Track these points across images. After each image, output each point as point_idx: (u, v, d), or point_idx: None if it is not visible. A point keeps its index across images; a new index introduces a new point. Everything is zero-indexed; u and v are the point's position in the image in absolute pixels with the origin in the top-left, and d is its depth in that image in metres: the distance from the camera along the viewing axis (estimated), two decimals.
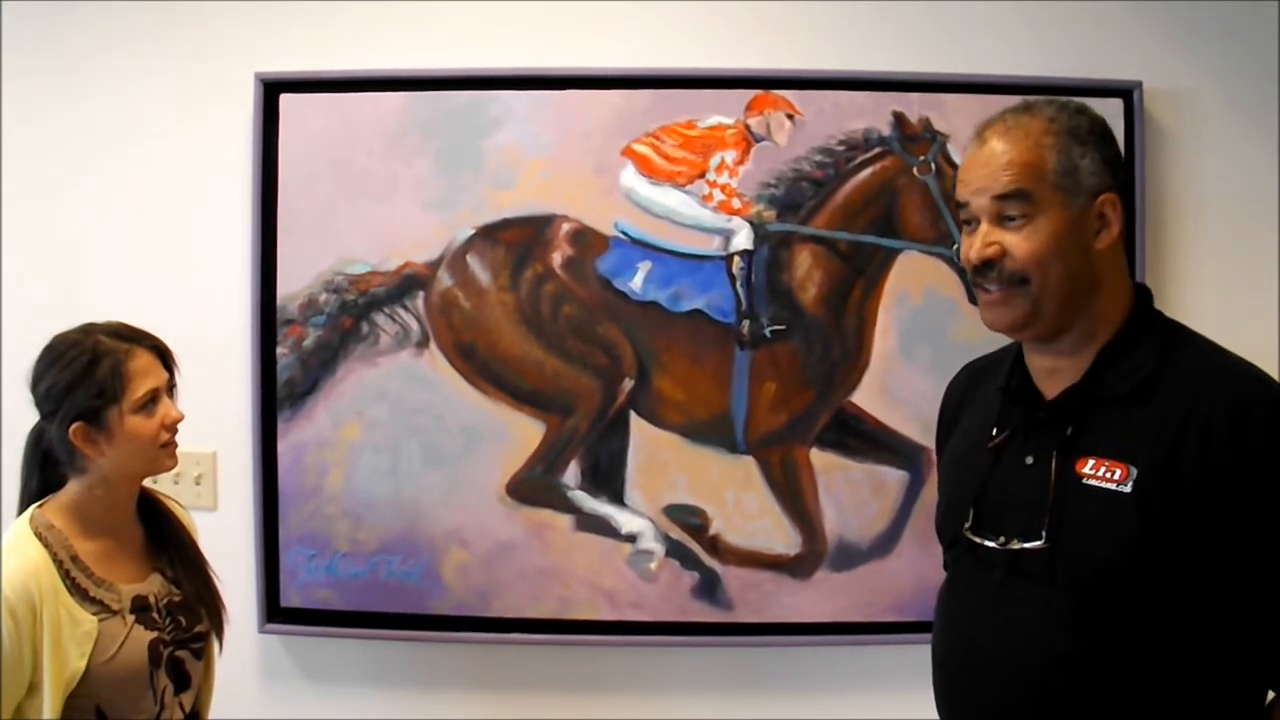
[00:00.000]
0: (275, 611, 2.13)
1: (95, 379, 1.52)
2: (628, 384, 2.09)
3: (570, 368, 2.09)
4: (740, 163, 2.08)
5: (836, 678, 2.15)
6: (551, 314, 2.09)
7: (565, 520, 2.10)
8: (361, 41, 2.13)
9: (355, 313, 2.10)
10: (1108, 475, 1.26)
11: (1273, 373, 1.30)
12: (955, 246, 2.05)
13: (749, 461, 2.09)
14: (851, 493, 2.09)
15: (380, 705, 2.17)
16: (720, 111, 2.08)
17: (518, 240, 2.09)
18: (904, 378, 2.09)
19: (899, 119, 2.08)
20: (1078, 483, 1.28)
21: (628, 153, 2.08)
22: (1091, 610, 1.25)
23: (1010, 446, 1.36)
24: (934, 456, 2.02)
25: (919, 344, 2.09)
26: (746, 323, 2.08)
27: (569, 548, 2.10)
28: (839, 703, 2.14)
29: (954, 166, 2.05)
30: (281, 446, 2.11)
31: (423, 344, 2.10)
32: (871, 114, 2.08)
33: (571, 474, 2.10)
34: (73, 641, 1.49)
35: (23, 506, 1.60)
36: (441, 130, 2.09)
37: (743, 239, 2.08)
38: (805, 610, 2.09)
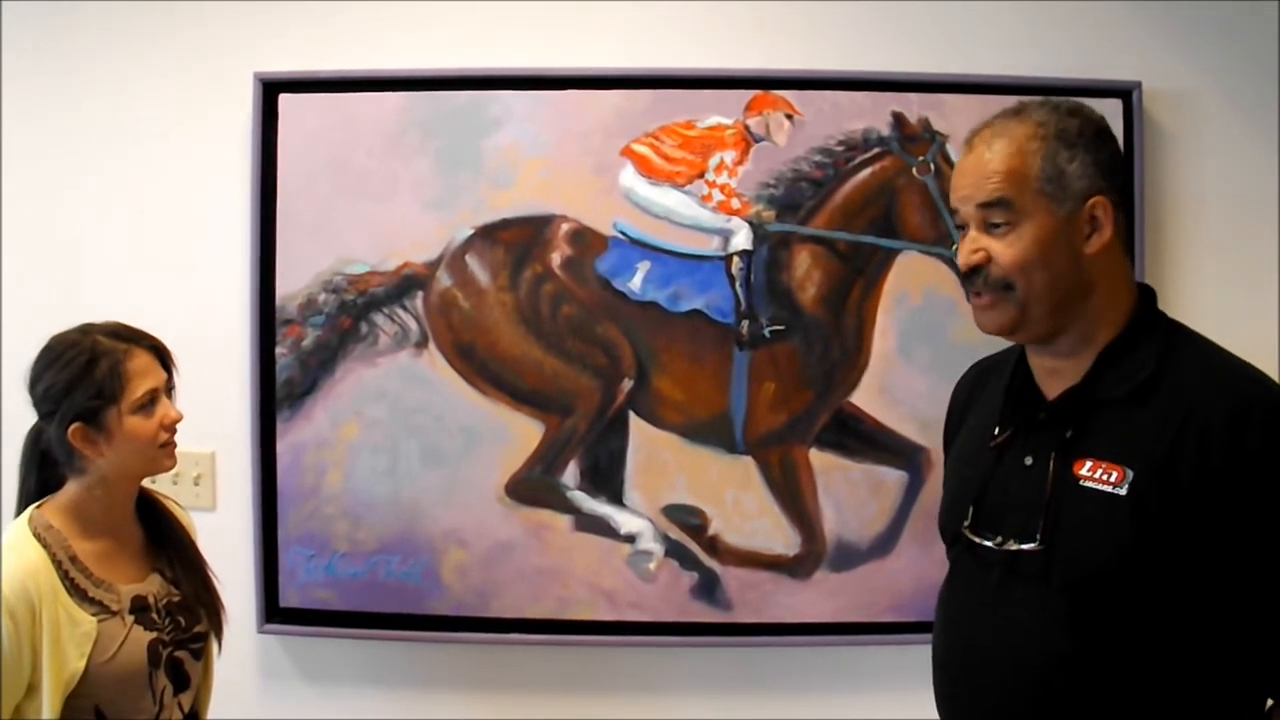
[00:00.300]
0: (274, 612, 2.13)
1: (94, 379, 1.52)
2: (627, 384, 2.09)
3: (569, 368, 2.09)
4: (739, 163, 2.08)
5: (835, 678, 2.15)
6: (551, 314, 2.09)
7: (564, 520, 2.10)
8: (360, 41, 2.13)
9: (354, 313, 2.10)
10: (1104, 478, 1.26)
11: (1273, 374, 1.30)
12: (954, 247, 2.05)
13: (748, 462, 2.09)
14: (850, 493, 2.09)
15: (379, 705, 2.17)
16: (719, 112, 2.08)
17: (517, 240, 2.09)
18: (903, 378, 2.08)
19: (898, 119, 2.08)
20: (1075, 484, 1.28)
21: (627, 153, 2.08)
22: (1087, 612, 1.25)
23: (1011, 446, 1.37)
24: (933, 457, 2.05)
25: (918, 344, 2.08)
26: (746, 323, 2.08)
27: (568, 548, 2.10)
28: (838, 703, 2.14)
29: (953, 167, 2.04)
30: (280, 446, 2.11)
31: (422, 344, 2.10)
32: (871, 114, 2.08)
33: (571, 474, 2.10)
34: (72, 642, 1.48)
35: (21, 507, 1.60)
36: (441, 130, 2.09)
37: (742, 239, 2.08)
38: (804, 610, 2.09)
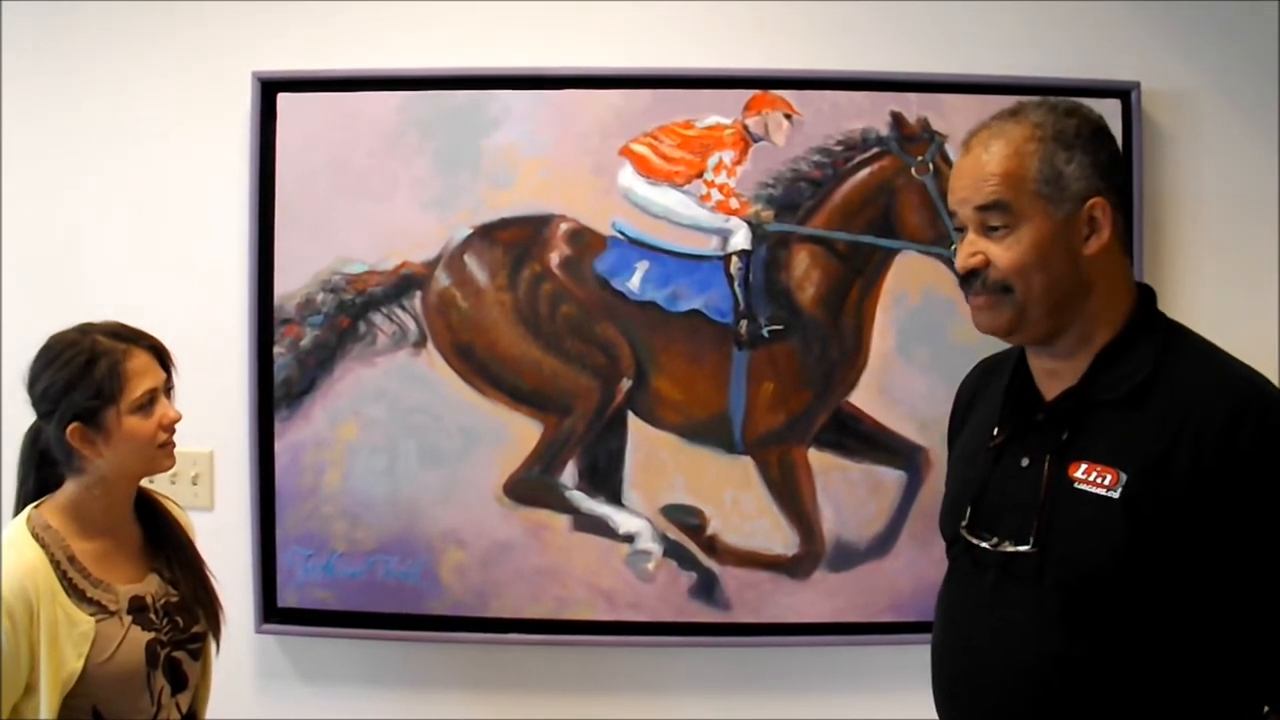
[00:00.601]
0: (272, 612, 2.13)
1: (92, 379, 1.52)
2: (625, 384, 2.09)
3: (568, 367, 2.09)
4: (738, 162, 2.08)
5: (834, 678, 2.15)
6: (549, 314, 2.09)
7: (563, 520, 2.10)
8: (359, 41, 2.13)
9: (353, 312, 2.10)
10: (1098, 480, 1.26)
11: (1272, 375, 1.30)
12: (953, 247, 2.04)
13: (747, 461, 2.09)
14: (849, 493, 2.09)
15: (377, 706, 2.17)
16: (718, 111, 2.08)
17: (515, 240, 2.09)
18: (902, 378, 2.08)
19: (897, 119, 2.08)
20: (1069, 487, 1.28)
21: (626, 152, 2.08)
22: (1081, 614, 1.25)
23: (1009, 447, 1.37)
24: (932, 457, 2.06)
25: (917, 344, 2.08)
26: (744, 323, 2.08)
27: (567, 548, 2.10)
28: (837, 703, 2.14)
29: (952, 167, 2.04)
30: (279, 446, 2.11)
31: (420, 344, 2.10)
32: (870, 114, 2.08)
33: (569, 474, 2.09)
34: (70, 642, 1.48)
35: (20, 507, 1.60)
36: (439, 130, 2.09)
37: (741, 239, 2.08)
38: (803, 610, 2.09)
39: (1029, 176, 1.27)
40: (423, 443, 2.10)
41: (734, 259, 2.08)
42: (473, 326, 2.09)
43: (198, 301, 2.14)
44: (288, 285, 2.10)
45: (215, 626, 1.68)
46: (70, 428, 1.51)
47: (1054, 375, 1.35)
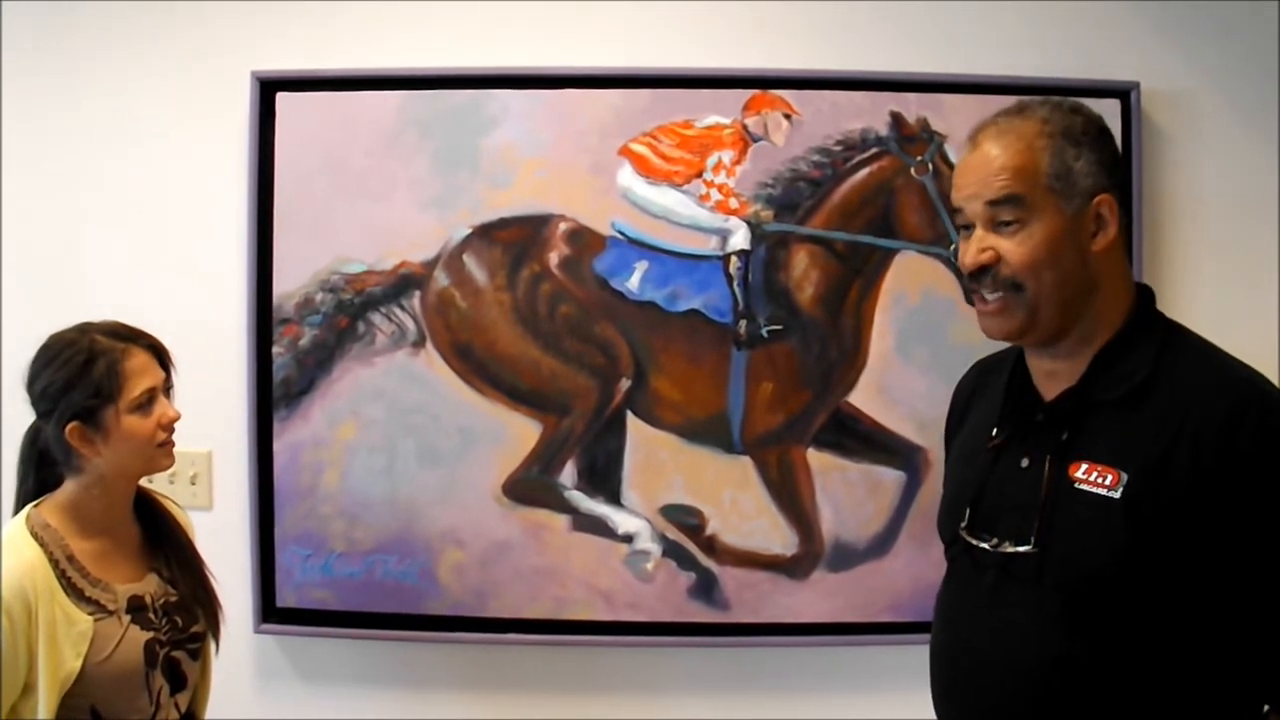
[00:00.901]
0: (270, 611, 2.13)
1: (91, 378, 1.52)
2: (624, 384, 2.09)
3: (567, 367, 2.09)
4: (737, 162, 2.08)
5: (833, 678, 2.15)
6: (548, 313, 2.09)
7: (561, 520, 2.10)
8: (358, 41, 2.13)
9: (351, 312, 2.10)
10: (1099, 480, 1.25)
11: (1272, 376, 1.30)
12: (952, 247, 2.05)
13: (746, 462, 2.09)
14: (848, 493, 2.09)
15: (375, 705, 2.17)
16: (717, 111, 2.08)
17: (514, 240, 2.09)
18: (901, 378, 2.08)
19: (896, 119, 2.08)
20: (1070, 487, 1.27)
21: (625, 152, 2.08)
22: (1081, 614, 1.25)
23: (1009, 448, 1.36)
24: (931, 457, 2.05)
25: (916, 344, 2.08)
26: (743, 323, 2.08)
27: (565, 548, 2.10)
28: (835, 703, 2.14)
29: (951, 167, 2.05)
30: (277, 446, 2.11)
31: (419, 343, 2.10)
32: (869, 114, 2.08)
33: (568, 474, 2.09)
34: (68, 641, 1.48)
35: (19, 506, 1.60)
36: (438, 129, 2.09)
37: (740, 239, 2.08)
38: (802, 610, 2.09)
39: (1041, 171, 1.27)
40: (421, 442, 2.09)
41: (733, 259, 2.08)
42: (471, 326, 2.09)
43: (196, 301, 2.14)
44: (286, 285, 2.10)
45: (214, 626, 1.68)
46: (69, 427, 1.51)
47: (1053, 376, 1.34)
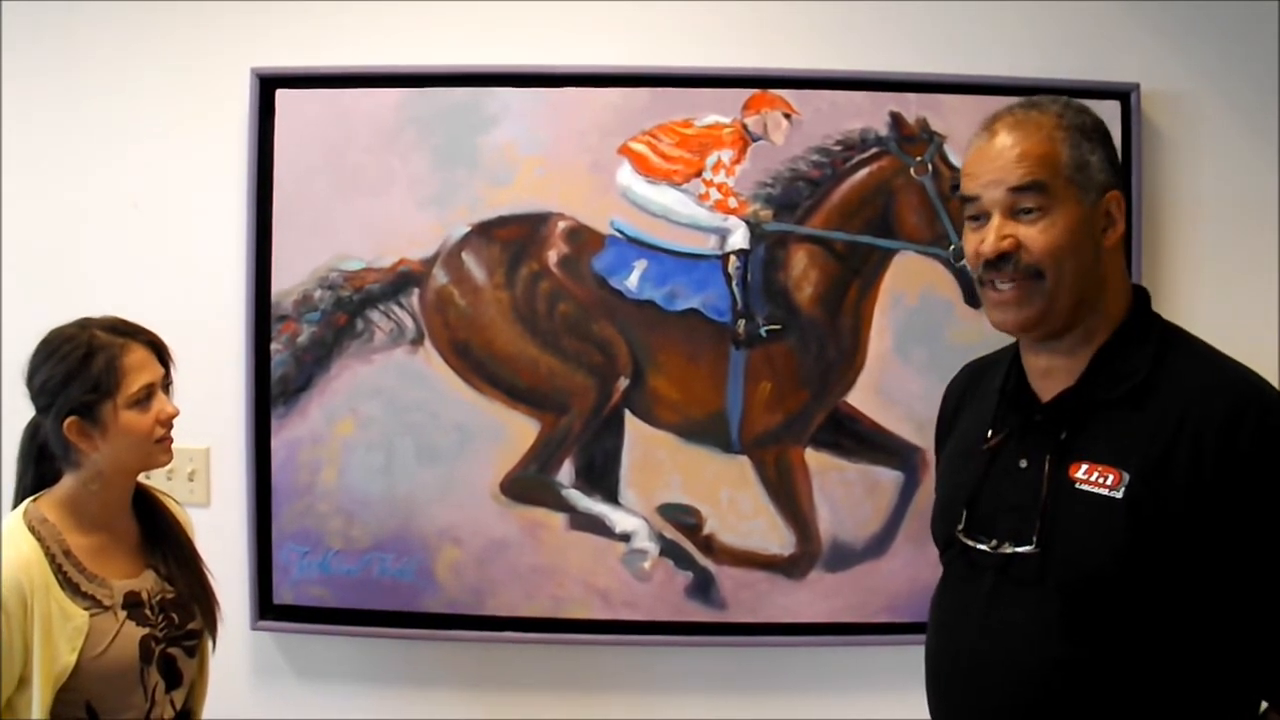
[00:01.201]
0: (267, 609, 2.12)
1: (90, 373, 1.52)
2: (623, 383, 2.09)
3: (565, 366, 2.09)
4: (737, 162, 2.08)
5: (830, 678, 2.15)
6: (547, 312, 2.09)
7: (559, 519, 2.09)
8: (358, 37, 2.12)
9: (350, 309, 2.10)
10: (1100, 480, 1.25)
11: (1271, 377, 1.29)
12: (952, 247, 2.05)
13: (744, 461, 2.09)
14: (846, 493, 2.09)
15: (373, 704, 2.17)
16: (717, 110, 2.08)
17: (513, 238, 2.09)
18: (899, 378, 2.08)
19: (896, 119, 2.08)
20: (1070, 487, 1.27)
21: (624, 151, 2.08)
22: (1082, 615, 1.24)
23: (1005, 449, 1.36)
24: (929, 457, 2.04)
25: (915, 344, 2.08)
26: (742, 322, 2.08)
27: (563, 546, 2.09)
28: (833, 703, 2.14)
29: (951, 167, 2.05)
30: (275, 443, 2.10)
31: (417, 341, 2.09)
32: (869, 114, 2.08)
33: (566, 473, 2.09)
34: (63, 636, 1.48)
35: (17, 500, 1.60)
36: (438, 127, 2.09)
37: (739, 238, 2.08)
38: (799, 610, 2.09)
39: (1063, 161, 1.26)
40: (419, 440, 2.09)
41: (732, 258, 2.08)
42: (470, 324, 2.09)
43: (194, 297, 2.14)
44: (285, 282, 2.10)
45: (212, 624, 1.68)
46: (67, 422, 1.51)
47: (1051, 374, 1.34)
